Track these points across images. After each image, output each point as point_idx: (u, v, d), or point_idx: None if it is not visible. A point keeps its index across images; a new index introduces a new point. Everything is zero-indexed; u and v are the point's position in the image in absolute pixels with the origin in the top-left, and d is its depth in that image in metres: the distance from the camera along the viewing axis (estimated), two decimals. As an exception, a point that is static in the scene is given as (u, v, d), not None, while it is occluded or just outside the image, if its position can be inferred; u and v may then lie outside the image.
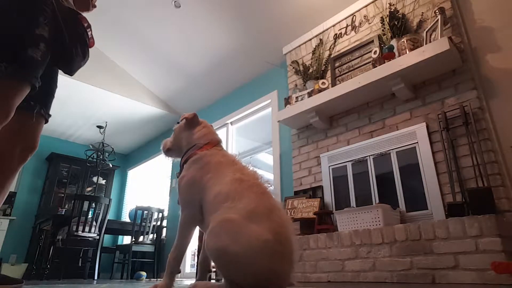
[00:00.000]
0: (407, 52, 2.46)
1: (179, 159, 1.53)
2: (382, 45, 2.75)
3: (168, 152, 1.57)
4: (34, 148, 1.37)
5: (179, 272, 1.29)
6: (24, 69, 1.11)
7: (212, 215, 1.10)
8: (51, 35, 1.21)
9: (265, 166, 4.69)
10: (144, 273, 4.38)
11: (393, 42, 2.63)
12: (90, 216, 4.16)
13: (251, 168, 1.26)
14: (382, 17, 2.80)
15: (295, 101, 3.17)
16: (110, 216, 4.75)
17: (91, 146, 5.59)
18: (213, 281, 2.40)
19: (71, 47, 1.29)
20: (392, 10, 2.74)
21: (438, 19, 2.33)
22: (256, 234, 0.95)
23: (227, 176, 1.17)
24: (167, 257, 1.28)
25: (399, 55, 2.53)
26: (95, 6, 1.56)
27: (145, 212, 4.45)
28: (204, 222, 1.21)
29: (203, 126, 1.49)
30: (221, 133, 4.79)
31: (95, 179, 6.17)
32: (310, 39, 3.49)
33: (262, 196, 1.08)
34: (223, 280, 1.06)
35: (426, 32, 2.42)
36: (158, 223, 4.71)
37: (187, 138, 1.46)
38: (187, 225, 1.27)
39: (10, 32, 1.12)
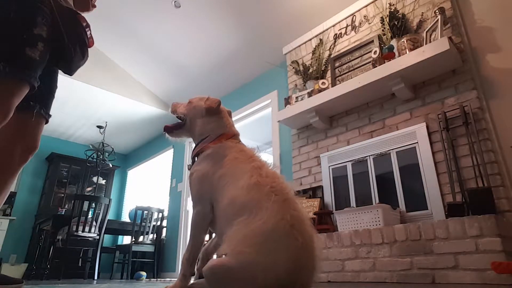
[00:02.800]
0: (407, 52, 2.46)
1: (179, 139, 1.45)
2: (382, 45, 2.75)
3: (179, 117, 1.42)
4: (34, 149, 1.36)
5: (193, 274, 1.18)
6: (23, 69, 1.11)
7: (225, 228, 0.99)
8: (50, 34, 1.20)
9: (265, 166, 4.68)
10: (144, 273, 4.37)
11: (393, 42, 2.63)
12: (90, 216, 4.16)
13: (270, 166, 1.13)
14: (382, 17, 2.80)
15: (295, 101, 3.17)
16: (110, 216, 4.75)
17: (91, 146, 5.59)
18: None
19: (70, 47, 1.28)
20: (392, 10, 2.74)
21: (438, 19, 2.33)
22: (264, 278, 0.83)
23: (243, 178, 1.05)
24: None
25: (399, 55, 2.53)
26: (94, 6, 1.56)
27: (145, 212, 4.45)
28: (215, 225, 1.14)
29: (221, 116, 1.35)
30: (221, 133, 4.78)
31: (95, 179, 6.17)
32: (310, 39, 3.49)
33: (283, 206, 0.94)
34: None
35: (426, 32, 2.42)
36: (158, 223, 4.71)
37: (202, 125, 1.34)
38: (199, 223, 1.16)
39: (8, 31, 1.11)
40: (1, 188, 1.26)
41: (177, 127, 1.45)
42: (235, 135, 1.32)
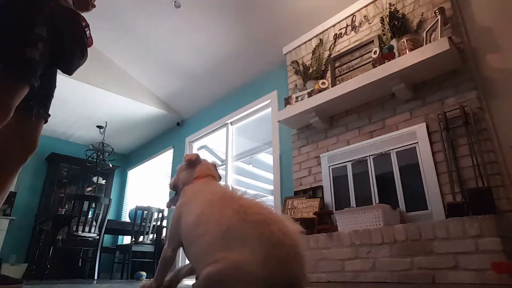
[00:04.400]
0: (407, 52, 2.46)
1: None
2: (382, 45, 2.75)
3: (175, 189, 1.60)
4: (34, 148, 1.36)
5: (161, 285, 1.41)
6: (23, 69, 1.11)
7: (190, 247, 1.10)
8: (50, 34, 1.20)
9: (265, 166, 4.69)
10: (144, 273, 4.37)
11: (393, 42, 2.63)
12: (90, 216, 4.16)
13: (231, 188, 1.20)
14: (382, 17, 2.80)
15: (295, 101, 3.17)
16: (110, 216, 4.75)
17: (91, 146, 5.59)
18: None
19: (69, 47, 1.29)
20: (392, 10, 2.74)
21: (438, 19, 2.33)
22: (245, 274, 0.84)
23: (198, 202, 1.16)
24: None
25: (399, 55, 2.53)
26: (94, 6, 1.56)
27: (145, 212, 4.45)
28: (187, 255, 1.22)
29: (201, 165, 1.50)
30: (221, 133, 4.79)
31: (95, 179, 6.17)
32: (310, 39, 3.49)
33: (230, 203, 1.01)
34: None
35: (426, 32, 2.42)
36: (158, 223, 4.71)
37: (184, 176, 1.50)
38: (163, 263, 1.35)
39: (8, 31, 1.11)
40: (1, 188, 1.26)
41: (173, 188, 1.59)
42: (208, 175, 1.44)
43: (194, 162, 1.51)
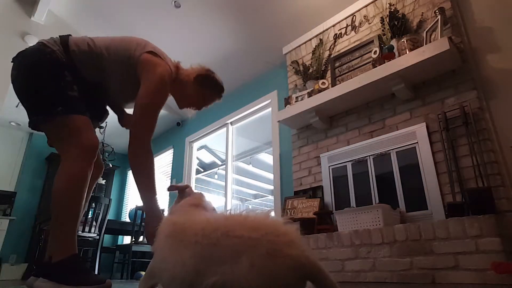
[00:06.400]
0: (407, 52, 2.46)
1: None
2: (382, 45, 2.75)
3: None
4: (102, 168, 1.83)
5: None
6: (73, 106, 1.46)
7: None
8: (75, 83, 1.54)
9: (265, 166, 4.69)
10: (144, 273, 4.37)
11: (393, 42, 2.63)
12: (90, 216, 4.16)
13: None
14: (382, 17, 2.80)
15: (295, 101, 3.17)
16: (110, 216, 4.75)
17: (91, 146, 5.57)
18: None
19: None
20: (392, 10, 2.74)
21: (438, 19, 2.33)
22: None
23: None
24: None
25: (399, 55, 2.53)
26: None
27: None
28: None
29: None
30: (221, 133, 4.79)
31: (95, 179, 6.16)
32: (310, 39, 3.49)
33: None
34: None
35: (426, 32, 2.42)
36: (158, 223, 4.71)
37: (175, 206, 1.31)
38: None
39: (52, 85, 1.45)
40: (80, 201, 1.53)
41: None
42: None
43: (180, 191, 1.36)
